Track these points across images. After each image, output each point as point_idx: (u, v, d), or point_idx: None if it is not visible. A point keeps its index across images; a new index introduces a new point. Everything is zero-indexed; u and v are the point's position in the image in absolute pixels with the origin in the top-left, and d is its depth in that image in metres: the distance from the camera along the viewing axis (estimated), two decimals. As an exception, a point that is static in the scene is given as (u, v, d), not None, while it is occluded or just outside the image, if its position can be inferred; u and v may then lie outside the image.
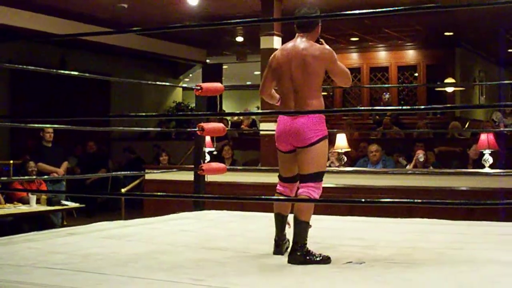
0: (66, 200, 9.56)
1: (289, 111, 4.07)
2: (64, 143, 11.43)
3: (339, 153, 8.97)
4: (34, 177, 9.16)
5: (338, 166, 8.87)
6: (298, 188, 4.07)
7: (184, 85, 18.69)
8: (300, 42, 4.08)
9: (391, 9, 3.57)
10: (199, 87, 5.61)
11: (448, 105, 14.55)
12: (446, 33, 14.21)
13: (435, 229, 5.42)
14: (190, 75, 18.69)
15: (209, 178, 6.66)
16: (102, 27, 11.83)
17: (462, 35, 14.63)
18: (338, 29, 13.27)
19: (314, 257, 3.87)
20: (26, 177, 9.22)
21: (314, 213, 3.98)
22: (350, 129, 13.30)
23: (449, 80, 14.82)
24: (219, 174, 6.01)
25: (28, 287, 3.25)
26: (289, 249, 3.96)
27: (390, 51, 16.05)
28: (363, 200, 4.43)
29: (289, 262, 3.87)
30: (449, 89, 15.29)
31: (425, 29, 13.87)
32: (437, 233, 5.17)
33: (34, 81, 13.50)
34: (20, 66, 4.80)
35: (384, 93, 15.16)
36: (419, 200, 3.84)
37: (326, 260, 3.88)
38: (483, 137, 8.06)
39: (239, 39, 15.00)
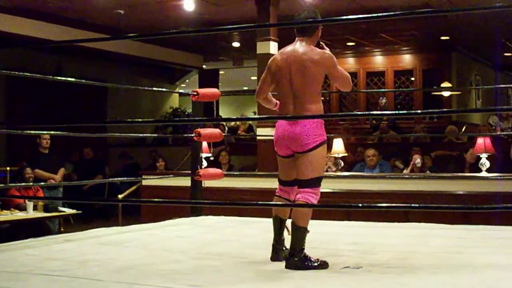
0: (63, 206, 9.53)
1: (286, 116, 4.06)
2: (61, 149, 11.42)
3: (336, 158, 8.97)
4: (31, 183, 9.15)
5: (335, 171, 8.87)
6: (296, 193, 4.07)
7: (181, 90, 18.69)
8: (299, 46, 4.06)
9: (387, 14, 3.58)
10: (195, 93, 5.61)
11: (445, 110, 14.61)
12: (442, 37, 14.22)
13: (433, 233, 5.42)
14: (187, 80, 18.68)
15: (206, 183, 6.66)
16: (98, 34, 11.82)
17: (458, 39, 14.64)
18: (334, 34, 13.28)
19: (312, 262, 3.87)
20: (23, 184, 9.21)
21: (312, 218, 3.98)
22: (347, 133, 13.30)
23: (446, 84, 14.83)
24: (216, 180, 6.01)
25: (25, 294, 3.25)
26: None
27: (387, 55, 16.05)
28: (360, 204, 4.43)
29: (286, 267, 3.87)
30: (446, 93, 15.31)
31: (421, 34, 13.88)
32: (434, 238, 5.17)
33: (30, 88, 13.48)
34: (17, 72, 4.79)
35: (381, 98, 15.16)
36: (416, 205, 3.85)
37: (323, 265, 3.87)
38: (480, 141, 8.07)
39: (236, 44, 15.00)
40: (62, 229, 9.52)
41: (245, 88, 22.84)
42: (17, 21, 11.09)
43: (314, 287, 3.45)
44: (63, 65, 14.28)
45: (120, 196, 10.35)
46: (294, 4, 9.83)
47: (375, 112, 9.68)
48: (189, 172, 7.08)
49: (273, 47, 9.71)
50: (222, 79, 19.53)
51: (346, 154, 9.29)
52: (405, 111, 15.37)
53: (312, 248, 4.05)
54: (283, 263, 3.93)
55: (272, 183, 4.32)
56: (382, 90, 16.17)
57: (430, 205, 6.14)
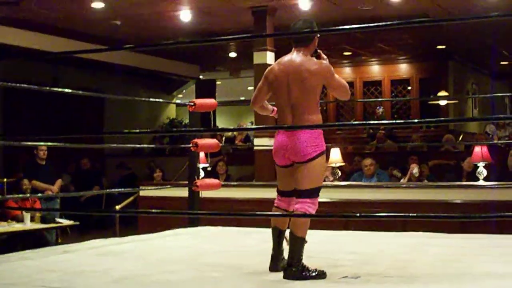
0: (61, 217, 9.52)
1: (283, 126, 4.06)
2: (58, 160, 11.39)
3: (333, 168, 8.97)
4: (28, 195, 9.13)
5: (332, 181, 8.87)
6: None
7: (178, 101, 18.69)
8: (296, 56, 4.06)
9: (383, 23, 3.58)
10: (192, 103, 5.60)
11: (442, 118, 14.60)
12: (439, 46, 14.26)
13: (431, 242, 5.41)
14: (184, 91, 18.69)
15: (204, 194, 6.65)
16: (95, 44, 11.83)
17: (455, 48, 14.68)
18: (330, 44, 13.31)
19: (310, 272, 3.86)
20: (20, 195, 9.19)
21: (309, 228, 3.97)
22: (344, 143, 13.31)
23: (442, 93, 14.85)
24: (213, 190, 6.00)
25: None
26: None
27: (383, 65, 16.07)
28: (358, 214, 4.42)
29: (284, 277, 3.86)
30: (443, 102, 15.33)
31: (417, 43, 13.91)
32: (432, 246, 5.16)
33: (27, 99, 13.47)
34: (13, 84, 4.78)
35: (378, 107, 15.18)
36: (414, 214, 3.84)
37: (321, 275, 3.87)
38: (477, 149, 8.08)
39: (232, 54, 15.02)
40: (59, 240, 9.50)
41: (242, 98, 22.83)
42: (12, 32, 11.09)
43: (313, 297, 3.44)
44: (60, 75, 14.27)
45: (117, 207, 10.32)
46: (291, 14, 9.85)
47: (372, 122, 9.69)
48: (187, 182, 7.07)
49: (269, 57, 9.74)
50: (219, 89, 19.52)
51: (343, 164, 9.28)
52: (402, 120, 15.39)
53: (310, 258, 4.04)
54: (281, 274, 3.92)
55: (270, 193, 4.32)
56: (379, 99, 16.20)
57: (427, 214, 6.13)
